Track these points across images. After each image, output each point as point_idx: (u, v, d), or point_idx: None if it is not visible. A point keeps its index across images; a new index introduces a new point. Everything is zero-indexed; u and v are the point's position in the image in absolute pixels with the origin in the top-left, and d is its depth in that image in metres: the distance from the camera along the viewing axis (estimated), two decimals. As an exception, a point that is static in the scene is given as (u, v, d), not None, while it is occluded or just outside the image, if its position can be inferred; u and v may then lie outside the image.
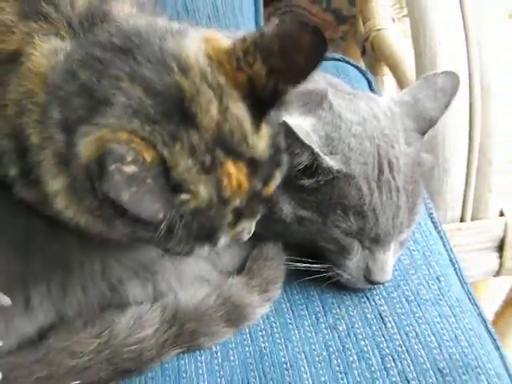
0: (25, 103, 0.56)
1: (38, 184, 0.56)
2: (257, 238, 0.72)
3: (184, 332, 0.65)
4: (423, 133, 0.73)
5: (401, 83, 1.17)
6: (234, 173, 0.52)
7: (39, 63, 0.57)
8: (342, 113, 0.69)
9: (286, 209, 0.68)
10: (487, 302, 1.08)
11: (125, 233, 0.53)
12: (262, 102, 0.53)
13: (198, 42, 0.54)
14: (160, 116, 0.50)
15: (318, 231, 0.69)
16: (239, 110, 0.52)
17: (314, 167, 0.66)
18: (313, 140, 0.66)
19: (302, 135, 0.64)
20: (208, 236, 0.54)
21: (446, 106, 0.73)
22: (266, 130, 0.53)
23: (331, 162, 0.66)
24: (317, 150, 0.65)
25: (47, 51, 0.57)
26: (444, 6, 0.94)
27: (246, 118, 0.53)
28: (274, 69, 0.52)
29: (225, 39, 0.55)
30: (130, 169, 0.47)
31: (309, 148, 0.64)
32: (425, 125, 0.73)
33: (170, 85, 0.51)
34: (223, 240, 0.56)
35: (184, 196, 0.50)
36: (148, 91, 0.51)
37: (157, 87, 0.51)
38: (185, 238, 0.53)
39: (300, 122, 0.66)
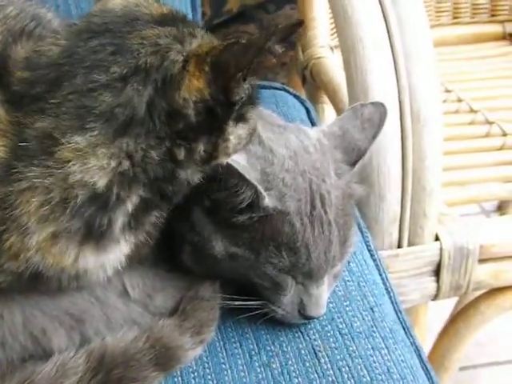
0: None
1: None
2: (192, 280, 0.72)
3: (111, 379, 0.63)
4: (353, 164, 0.73)
5: (338, 111, 1.19)
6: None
7: None
8: (273, 147, 0.69)
9: (218, 246, 0.68)
10: (428, 326, 1.09)
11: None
12: None
13: None
14: (189, 28, 0.58)
15: (251, 267, 0.68)
16: None
17: (250, 204, 0.66)
18: (253, 177, 0.66)
19: (246, 174, 0.64)
20: None
21: (374, 136, 0.74)
22: None
23: (268, 200, 0.66)
24: (260, 188, 0.65)
25: None
26: (373, 35, 0.96)
27: None
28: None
29: None
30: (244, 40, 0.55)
31: (252, 187, 0.65)
32: (354, 156, 0.73)
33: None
34: None
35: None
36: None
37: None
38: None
39: (236, 158, 0.65)
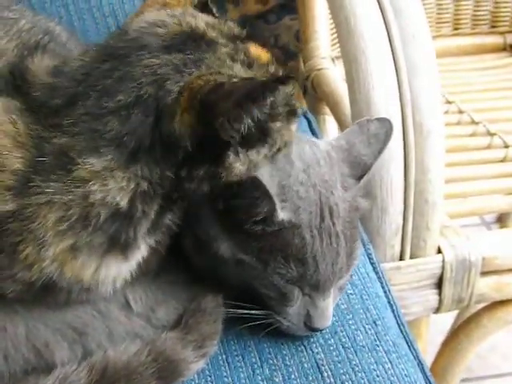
0: None
1: None
2: (195, 292, 0.72)
3: None
4: (359, 178, 0.74)
5: (340, 122, 1.18)
6: (257, 50, 0.61)
7: None
8: (292, 158, 0.69)
9: (224, 248, 0.68)
10: (429, 338, 1.09)
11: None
12: None
13: None
14: (198, 54, 0.58)
15: (257, 276, 0.68)
16: (205, 16, 0.62)
17: (264, 218, 0.66)
18: (272, 192, 0.66)
19: (270, 189, 0.64)
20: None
21: (380, 152, 0.75)
22: None
23: (283, 213, 0.66)
24: (277, 206, 0.65)
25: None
26: (376, 48, 0.96)
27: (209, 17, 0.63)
28: None
29: None
30: (236, 79, 0.55)
31: (272, 202, 0.65)
32: (359, 170, 0.74)
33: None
34: None
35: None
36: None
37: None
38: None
39: (261, 170, 0.65)
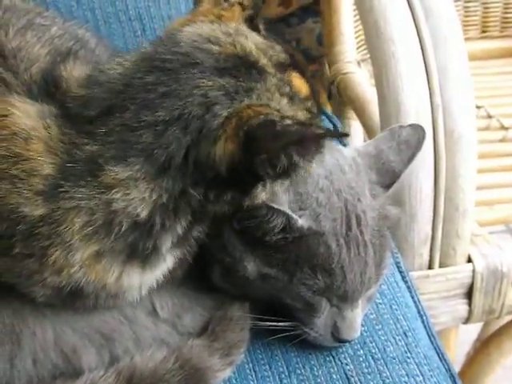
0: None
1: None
2: (221, 299, 0.71)
3: None
4: (387, 186, 0.72)
5: (366, 127, 1.17)
6: (298, 81, 0.59)
7: (27, 126, 0.56)
8: None
9: (251, 267, 0.66)
10: (458, 348, 1.07)
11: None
12: None
13: None
14: (249, 82, 0.57)
15: (283, 289, 0.67)
16: (256, 37, 0.62)
17: (283, 228, 0.65)
18: (284, 201, 0.65)
19: (273, 203, 0.63)
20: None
21: (410, 159, 0.73)
22: None
23: (302, 220, 0.65)
24: (290, 213, 0.64)
25: (33, 112, 0.57)
26: (406, 51, 0.95)
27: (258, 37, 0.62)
28: None
29: None
30: (288, 121, 0.54)
31: (283, 214, 0.63)
32: (388, 178, 0.72)
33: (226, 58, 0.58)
34: None
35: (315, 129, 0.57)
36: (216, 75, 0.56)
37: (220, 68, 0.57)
38: None
39: None
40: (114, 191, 0.55)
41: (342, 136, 0.58)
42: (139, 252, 0.58)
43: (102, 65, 0.61)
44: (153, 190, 0.56)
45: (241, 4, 0.65)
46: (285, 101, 0.58)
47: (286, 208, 0.64)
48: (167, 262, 0.61)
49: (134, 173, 0.56)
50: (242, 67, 0.58)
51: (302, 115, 0.59)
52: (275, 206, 0.62)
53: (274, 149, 0.54)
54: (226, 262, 0.67)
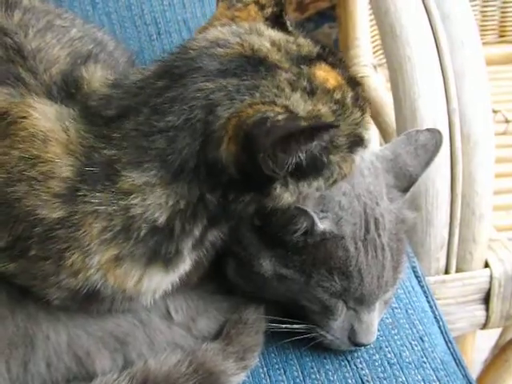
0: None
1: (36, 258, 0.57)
2: (236, 302, 0.70)
3: None
4: (404, 190, 0.72)
5: (382, 131, 1.16)
6: (326, 73, 0.57)
7: (45, 127, 0.56)
8: None
9: (266, 265, 0.66)
10: (476, 355, 1.05)
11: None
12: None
13: None
14: (254, 80, 0.55)
15: (300, 290, 0.67)
16: (273, 33, 0.60)
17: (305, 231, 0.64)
18: (308, 203, 0.64)
19: (304, 206, 0.62)
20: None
21: (427, 163, 0.72)
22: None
23: (324, 224, 0.64)
24: (316, 218, 0.63)
25: (51, 114, 0.57)
26: (422, 55, 0.94)
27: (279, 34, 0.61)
28: None
29: None
30: (280, 117, 0.52)
31: (310, 217, 0.63)
32: (405, 181, 0.72)
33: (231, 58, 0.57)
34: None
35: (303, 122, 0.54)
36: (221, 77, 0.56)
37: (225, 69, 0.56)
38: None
39: None
40: (131, 197, 0.55)
41: (328, 128, 0.55)
42: (162, 255, 0.58)
43: (127, 70, 0.62)
44: (169, 195, 0.56)
45: (256, 3, 0.64)
46: (297, 95, 0.56)
47: (311, 211, 0.63)
48: (186, 263, 0.61)
49: (150, 178, 0.55)
50: (248, 65, 0.57)
51: (324, 108, 0.56)
52: (305, 209, 0.62)
53: (266, 146, 0.53)
54: (241, 256, 0.67)
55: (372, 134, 1.31)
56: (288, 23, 0.63)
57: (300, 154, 0.54)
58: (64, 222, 0.55)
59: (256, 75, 0.56)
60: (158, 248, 0.58)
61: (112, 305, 0.61)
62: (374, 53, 1.41)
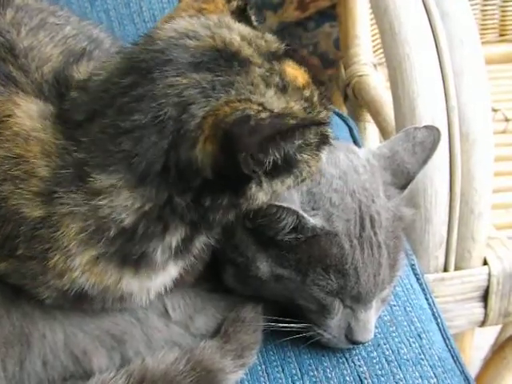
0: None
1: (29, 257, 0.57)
2: (234, 300, 0.71)
3: None
4: (402, 187, 0.72)
5: (382, 130, 1.16)
6: (294, 71, 0.57)
7: (27, 126, 0.56)
8: (322, 166, 0.67)
9: (263, 267, 0.66)
10: (475, 353, 1.05)
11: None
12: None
13: None
14: (228, 76, 0.54)
15: (296, 289, 0.67)
16: (242, 27, 0.59)
17: (295, 227, 0.64)
18: (295, 200, 0.64)
19: (283, 203, 0.62)
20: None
21: (425, 160, 0.72)
22: None
23: (314, 220, 0.64)
24: (301, 212, 0.63)
25: (34, 112, 0.57)
26: (421, 53, 0.94)
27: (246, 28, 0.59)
28: None
29: None
30: (264, 115, 0.52)
31: (293, 212, 0.63)
32: (402, 179, 0.72)
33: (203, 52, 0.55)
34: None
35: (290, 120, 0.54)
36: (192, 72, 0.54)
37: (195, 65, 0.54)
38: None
39: None
40: (100, 197, 0.55)
41: (315, 124, 0.54)
42: (128, 258, 0.57)
43: (93, 69, 0.60)
44: (135, 198, 0.55)
45: None
46: (271, 92, 0.55)
47: (296, 207, 0.63)
48: (169, 271, 0.61)
49: (116, 181, 0.54)
50: (222, 59, 0.55)
51: (296, 105, 0.56)
52: (284, 205, 0.62)
53: (251, 145, 0.51)
54: (238, 262, 0.67)
55: (372, 132, 1.33)
56: (252, 18, 0.62)
57: (278, 153, 0.53)
58: (45, 222, 0.55)
59: (230, 70, 0.55)
60: (123, 250, 0.57)
61: (104, 304, 0.61)
62: (374, 52, 1.41)
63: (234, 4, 0.62)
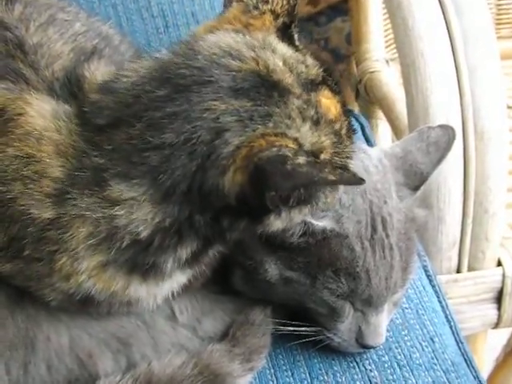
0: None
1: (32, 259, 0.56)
2: (242, 303, 0.69)
3: None
4: (415, 188, 0.70)
5: (394, 127, 1.14)
6: (329, 101, 0.56)
7: (40, 126, 0.55)
8: None
9: (272, 270, 0.65)
10: (487, 354, 1.04)
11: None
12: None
13: None
14: (267, 106, 0.53)
15: (306, 293, 0.65)
16: (285, 49, 0.57)
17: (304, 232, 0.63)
18: None
19: None
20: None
21: (439, 161, 0.71)
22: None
23: (323, 222, 0.63)
24: (308, 219, 0.62)
25: (47, 112, 0.56)
26: (435, 50, 0.92)
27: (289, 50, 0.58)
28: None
29: None
30: (301, 160, 0.50)
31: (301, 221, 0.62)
32: (416, 179, 0.70)
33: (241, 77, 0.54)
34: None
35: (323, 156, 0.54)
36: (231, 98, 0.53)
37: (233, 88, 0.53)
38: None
39: None
40: (117, 208, 0.54)
41: (355, 183, 0.55)
42: (139, 267, 0.57)
43: (119, 70, 0.58)
44: (156, 213, 0.54)
45: (273, 12, 0.59)
46: (307, 126, 0.53)
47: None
48: (177, 278, 0.60)
49: (139, 195, 0.54)
50: (262, 88, 0.54)
51: (326, 140, 0.55)
52: None
53: (283, 188, 0.52)
54: (246, 265, 0.66)
55: (384, 129, 1.31)
56: (295, 36, 0.60)
57: (305, 195, 0.54)
58: (54, 223, 0.54)
59: (269, 100, 0.53)
60: (135, 259, 0.56)
61: (110, 308, 0.60)
62: (386, 47, 1.39)
63: (281, 21, 0.60)
